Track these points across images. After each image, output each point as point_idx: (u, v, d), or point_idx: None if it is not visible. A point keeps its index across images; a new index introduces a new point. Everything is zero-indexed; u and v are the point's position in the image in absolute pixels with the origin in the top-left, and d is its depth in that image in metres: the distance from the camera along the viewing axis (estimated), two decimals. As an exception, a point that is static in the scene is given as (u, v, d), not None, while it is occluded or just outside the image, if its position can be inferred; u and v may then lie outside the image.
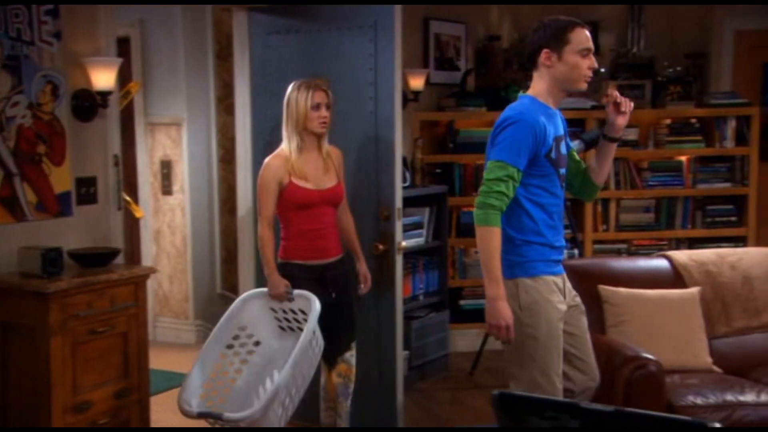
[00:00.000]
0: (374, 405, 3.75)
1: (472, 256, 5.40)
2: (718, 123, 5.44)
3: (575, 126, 5.39)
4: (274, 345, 3.33)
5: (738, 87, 5.74)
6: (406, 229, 4.78)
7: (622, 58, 5.69)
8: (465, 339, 5.30)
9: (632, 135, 5.44)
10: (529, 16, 5.78)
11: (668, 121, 5.49)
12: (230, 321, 3.29)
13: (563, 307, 2.76)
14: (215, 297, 5.66)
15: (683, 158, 5.48)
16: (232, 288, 5.40)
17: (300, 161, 3.29)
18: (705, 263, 3.84)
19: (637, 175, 5.45)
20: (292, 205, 3.30)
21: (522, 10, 5.78)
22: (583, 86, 2.78)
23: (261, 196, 3.30)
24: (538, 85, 2.77)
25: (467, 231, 5.31)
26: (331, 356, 3.40)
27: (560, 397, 2.73)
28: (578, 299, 2.91)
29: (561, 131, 2.83)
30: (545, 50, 2.73)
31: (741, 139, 5.45)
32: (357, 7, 3.60)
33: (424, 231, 4.90)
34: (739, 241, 5.49)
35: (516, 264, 2.73)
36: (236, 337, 3.31)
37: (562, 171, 2.81)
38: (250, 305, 3.34)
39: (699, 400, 3.15)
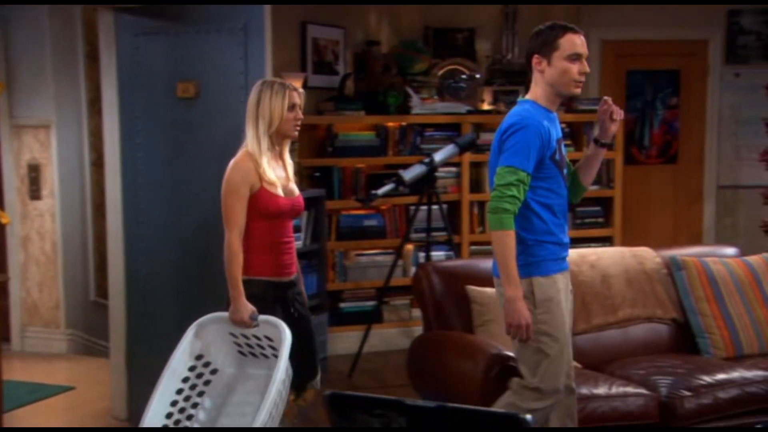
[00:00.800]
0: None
1: (353, 258, 5.47)
2: (586, 128, 5.71)
3: (451, 130, 5.57)
4: (233, 372, 3.06)
5: (605, 93, 5.98)
6: (284, 232, 4.80)
7: (498, 64, 5.90)
8: (345, 342, 5.36)
9: (506, 139, 5.63)
10: (408, 22, 5.90)
11: (541, 126, 5.71)
12: (184, 352, 2.96)
13: (568, 304, 2.94)
14: (89, 305, 5.50)
15: (556, 162, 5.71)
16: (106, 295, 5.27)
17: (269, 166, 3.03)
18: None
19: (511, 178, 5.65)
20: (260, 214, 3.00)
21: (402, 15, 5.90)
22: (575, 91, 2.89)
23: (229, 202, 2.96)
24: (536, 90, 2.87)
25: (347, 234, 5.38)
26: (301, 383, 3.16)
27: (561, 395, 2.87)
28: (572, 294, 3.05)
29: (561, 133, 2.97)
30: (536, 56, 2.84)
31: (607, 143, 5.74)
32: (226, 9, 3.60)
33: (302, 234, 4.92)
34: (607, 241, 5.78)
35: (530, 264, 2.85)
36: (192, 368, 2.98)
37: (566, 171, 2.95)
38: (206, 331, 3.02)
39: (556, 394, 3.29)
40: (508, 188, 2.74)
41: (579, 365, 3.68)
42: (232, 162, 3.03)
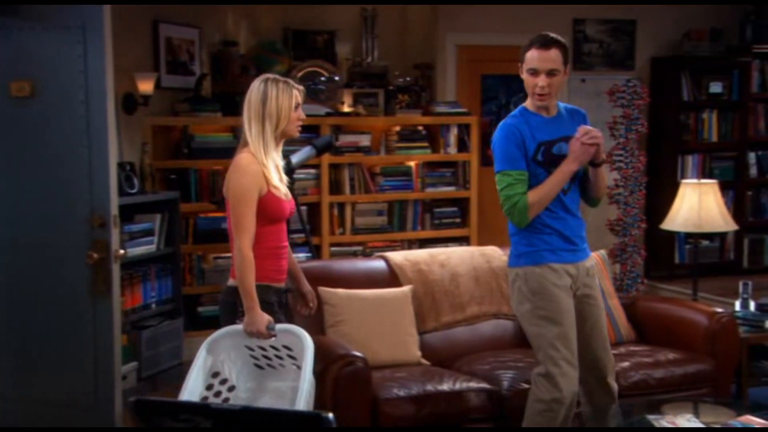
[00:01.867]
0: (90, 422, 3.64)
1: (211, 262, 5.40)
2: (443, 130, 5.89)
3: (310, 132, 5.60)
4: (251, 386, 2.88)
5: (460, 97, 6.25)
6: (136, 236, 4.69)
7: (358, 67, 5.98)
8: (203, 346, 5.28)
9: (365, 141, 5.73)
10: (267, 23, 5.89)
11: (398, 128, 5.84)
12: (199, 371, 2.74)
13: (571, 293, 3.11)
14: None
15: (412, 163, 5.85)
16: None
17: (274, 169, 2.90)
18: (418, 262, 4.14)
19: (370, 179, 5.75)
20: (266, 218, 2.88)
21: (260, 16, 5.88)
22: (538, 101, 3.10)
23: (241, 207, 2.81)
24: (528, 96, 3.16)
25: (205, 237, 5.31)
26: None
27: (573, 380, 3.03)
28: (589, 290, 3.16)
29: (554, 135, 3.11)
30: (519, 65, 3.12)
31: (463, 145, 5.94)
32: (63, 7, 3.48)
33: (155, 238, 4.83)
34: (464, 240, 5.97)
35: (524, 254, 3.12)
36: (209, 387, 2.78)
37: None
38: (219, 346, 2.82)
39: (402, 392, 3.39)
40: (507, 189, 3.05)
41: (428, 362, 3.80)
42: (237, 164, 2.86)
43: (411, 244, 5.85)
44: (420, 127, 5.86)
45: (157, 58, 5.28)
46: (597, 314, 3.20)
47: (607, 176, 6.07)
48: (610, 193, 6.06)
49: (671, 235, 6.15)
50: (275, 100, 2.86)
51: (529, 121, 3.10)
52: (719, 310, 4.03)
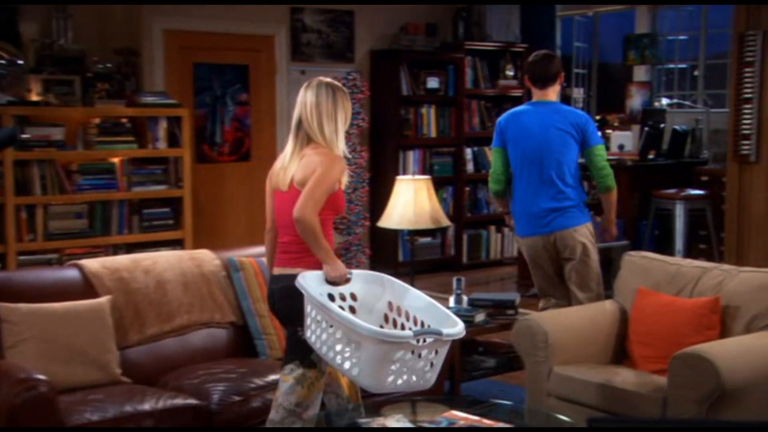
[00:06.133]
0: None
1: None
2: (150, 123, 5.66)
3: None
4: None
5: (170, 87, 6.05)
6: None
7: (48, 50, 5.56)
8: None
9: (59, 135, 5.35)
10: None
11: (98, 121, 5.52)
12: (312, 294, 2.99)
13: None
14: None
15: (116, 160, 5.57)
16: None
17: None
18: (119, 270, 3.91)
19: (66, 178, 5.37)
20: (334, 210, 3.23)
21: None
22: None
23: (322, 186, 3.10)
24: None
25: None
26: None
27: None
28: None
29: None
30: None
31: (174, 140, 5.75)
32: None
33: None
34: (177, 244, 5.78)
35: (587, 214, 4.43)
36: (332, 298, 3.09)
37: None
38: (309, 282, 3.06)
39: (96, 417, 3.17)
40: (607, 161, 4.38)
41: (129, 380, 3.61)
42: (329, 156, 3.16)
43: (117, 249, 5.56)
44: (124, 120, 5.60)
45: None
46: None
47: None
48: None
49: (395, 232, 6.43)
50: (341, 104, 3.25)
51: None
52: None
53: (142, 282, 3.93)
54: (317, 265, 3.13)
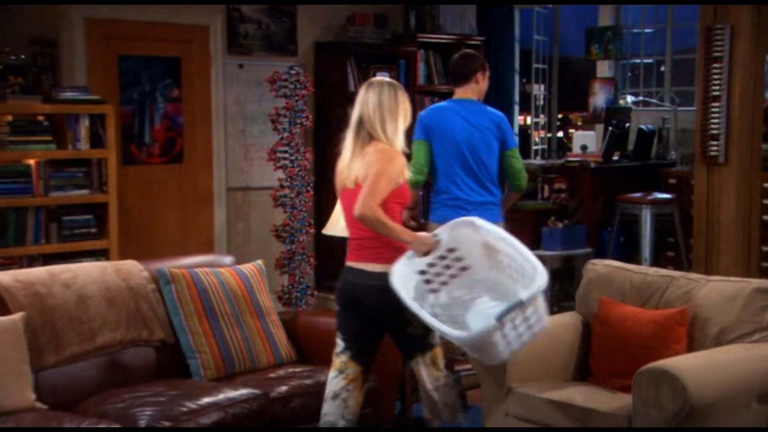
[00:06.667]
0: None
1: None
2: (70, 122, 5.55)
3: None
4: (484, 275, 3.56)
5: (93, 81, 5.96)
6: None
7: (-48, 39, 5.45)
8: None
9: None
10: None
11: (11, 118, 5.41)
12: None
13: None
14: None
15: (31, 162, 5.46)
16: None
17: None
18: (34, 283, 3.85)
19: (-25, 182, 5.26)
20: (402, 204, 3.62)
21: None
22: None
23: (382, 179, 3.49)
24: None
25: None
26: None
27: None
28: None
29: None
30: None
31: (97, 140, 5.65)
32: None
33: None
34: (101, 255, 5.68)
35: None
36: (442, 257, 3.56)
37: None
38: (460, 232, 3.60)
39: (6, 448, 3.12)
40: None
41: (44, 406, 3.55)
42: (388, 152, 3.57)
43: (33, 261, 5.45)
44: (41, 117, 5.49)
45: None
46: None
47: (272, 175, 6.21)
48: (274, 194, 6.17)
49: (342, 239, 6.41)
50: (402, 103, 3.68)
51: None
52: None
53: (60, 297, 3.88)
54: (394, 260, 3.49)
